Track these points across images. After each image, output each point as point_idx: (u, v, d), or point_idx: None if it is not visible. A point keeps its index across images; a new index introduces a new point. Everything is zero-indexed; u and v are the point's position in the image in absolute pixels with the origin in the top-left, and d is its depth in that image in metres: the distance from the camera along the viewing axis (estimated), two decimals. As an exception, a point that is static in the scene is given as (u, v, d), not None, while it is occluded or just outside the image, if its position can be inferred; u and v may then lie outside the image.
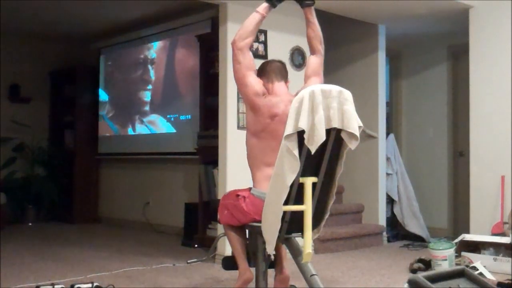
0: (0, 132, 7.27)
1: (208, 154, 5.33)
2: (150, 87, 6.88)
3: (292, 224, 2.76)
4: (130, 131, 7.19)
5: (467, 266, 4.00)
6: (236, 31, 2.99)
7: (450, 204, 6.67)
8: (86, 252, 5.31)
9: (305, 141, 2.59)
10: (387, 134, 6.40)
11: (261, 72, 3.10)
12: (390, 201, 6.31)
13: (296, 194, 2.68)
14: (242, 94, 3.06)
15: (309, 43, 3.17)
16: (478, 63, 5.35)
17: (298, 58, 5.27)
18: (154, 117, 6.77)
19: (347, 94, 2.71)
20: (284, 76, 3.11)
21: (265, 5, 2.98)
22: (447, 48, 6.73)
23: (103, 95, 7.63)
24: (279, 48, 5.10)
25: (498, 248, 4.54)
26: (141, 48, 7.02)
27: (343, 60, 6.44)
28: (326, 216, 2.96)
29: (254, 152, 2.98)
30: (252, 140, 2.99)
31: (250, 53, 3.01)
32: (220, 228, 4.66)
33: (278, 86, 3.06)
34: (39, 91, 7.87)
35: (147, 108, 6.91)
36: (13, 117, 7.40)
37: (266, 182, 2.80)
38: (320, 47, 3.14)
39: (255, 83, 2.97)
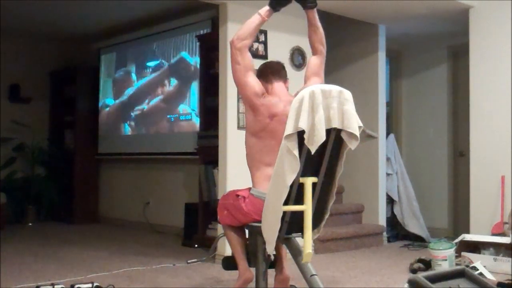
0: (0, 132, 7.26)
1: (208, 154, 5.33)
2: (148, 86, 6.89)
3: (292, 224, 2.75)
4: (130, 131, 7.19)
5: (467, 266, 3.99)
6: (236, 31, 3.00)
7: (450, 204, 6.67)
8: (86, 252, 5.31)
9: (305, 141, 2.59)
10: (387, 134, 6.39)
11: (260, 73, 3.12)
12: (390, 201, 6.30)
13: (296, 194, 2.68)
14: (241, 94, 3.06)
15: (310, 44, 3.17)
16: (478, 63, 5.35)
17: (298, 58, 5.27)
18: (153, 117, 6.77)
19: (347, 94, 2.72)
20: (282, 76, 3.13)
21: (267, 8, 2.98)
22: (447, 48, 6.73)
23: (103, 95, 7.62)
24: (279, 48, 5.10)
25: (498, 248, 4.54)
26: (141, 48, 7.01)
27: (343, 60, 6.43)
28: (326, 216, 2.96)
29: (253, 152, 2.98)
30: (251, 140, 2.99)
31: (249, 54, 3.01)
32: (220, 228, 4.65)
33: (277, 86, 3.07)
34: (39, 91, 7.86)
35: (146, 107, 6.91)
36: (13, 117, 7.39)
37: (266, 182, 2.80)
38: (322, 48, 3.14)
39: (254, 83, 2.97)
